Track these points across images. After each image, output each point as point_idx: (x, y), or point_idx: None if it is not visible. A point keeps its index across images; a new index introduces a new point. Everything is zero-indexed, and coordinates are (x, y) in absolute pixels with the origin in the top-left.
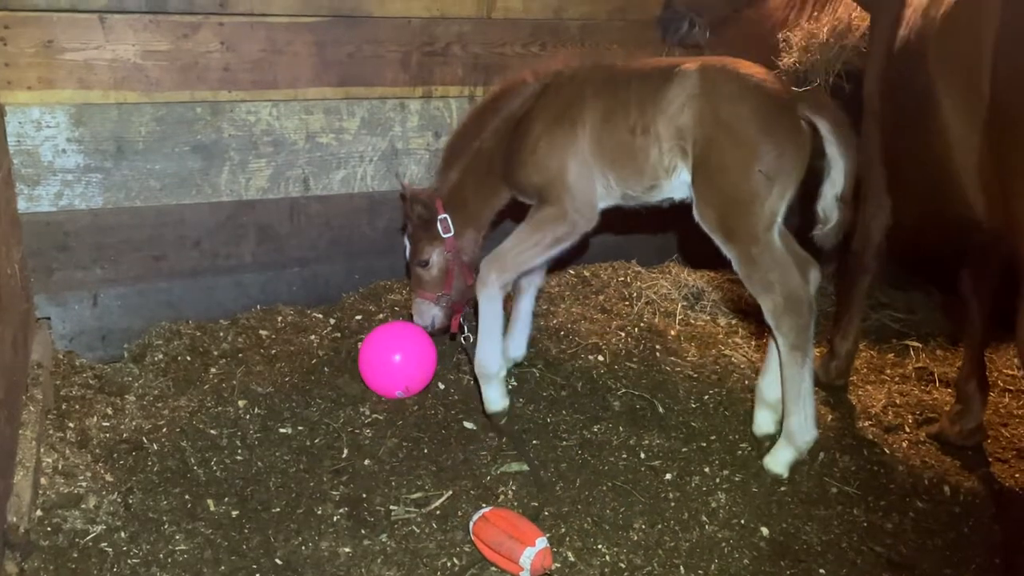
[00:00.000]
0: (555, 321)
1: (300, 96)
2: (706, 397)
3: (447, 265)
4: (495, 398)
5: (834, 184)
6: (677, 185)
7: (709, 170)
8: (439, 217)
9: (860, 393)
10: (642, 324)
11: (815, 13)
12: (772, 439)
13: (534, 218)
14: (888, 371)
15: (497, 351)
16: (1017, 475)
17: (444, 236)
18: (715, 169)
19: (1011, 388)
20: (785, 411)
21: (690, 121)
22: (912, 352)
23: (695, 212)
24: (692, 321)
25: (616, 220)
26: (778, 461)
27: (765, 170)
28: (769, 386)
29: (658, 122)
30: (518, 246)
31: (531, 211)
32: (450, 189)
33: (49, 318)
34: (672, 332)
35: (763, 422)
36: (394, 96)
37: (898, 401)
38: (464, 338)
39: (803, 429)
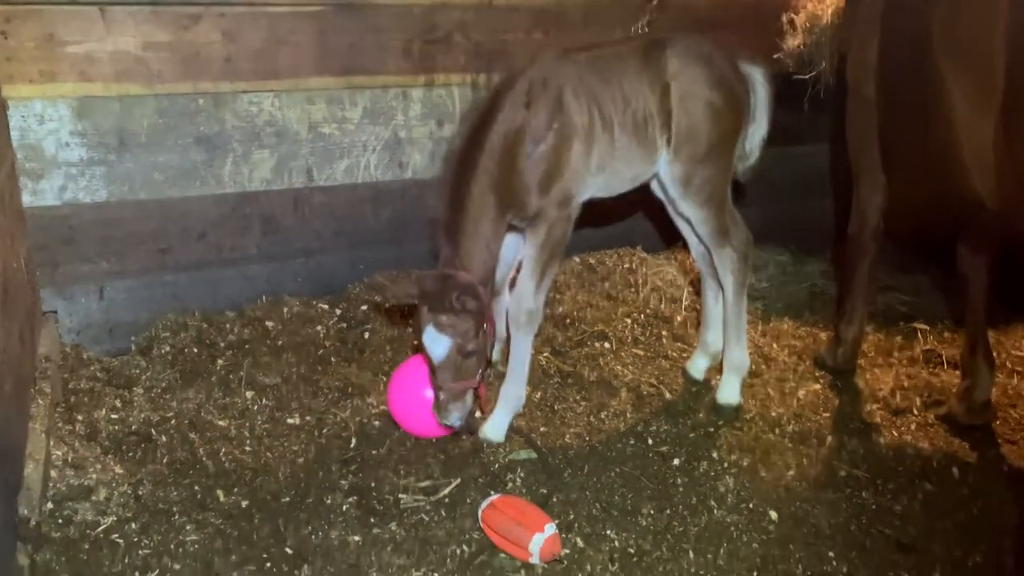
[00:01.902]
0: (561, 309)
1: (302, 86)
2: (713, 382)
3: (487, 338)
4: (503, 428)
5: (760, 127)
6: (659, 164)
7: (694, 142)
8: (481, 291)
9: (868, 376)
10: (648, 310)
11: None
12: (696, 383)
13: (544, 244)
14: (896, 354)
15: (524, 382)
16: None
17: (486, 311)
18: (700, 141)
19: (1019, 369)
20: (728, 347)
21: (675, 100)
22: (920, 335)
23: (669, 179)
24: (698, 307)
25: (620, 207)
26: (732, 393)
27: (735, 132)
28: (715, 339)
29: (649, 105)
30: (540, 273)
31: (533, 234)
32: (470, 251)
33: (56, 312)
34: (678, 318)
35: (700, 368)
36: (396, 85)
37: (906, 384)
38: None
39: (744, 358)
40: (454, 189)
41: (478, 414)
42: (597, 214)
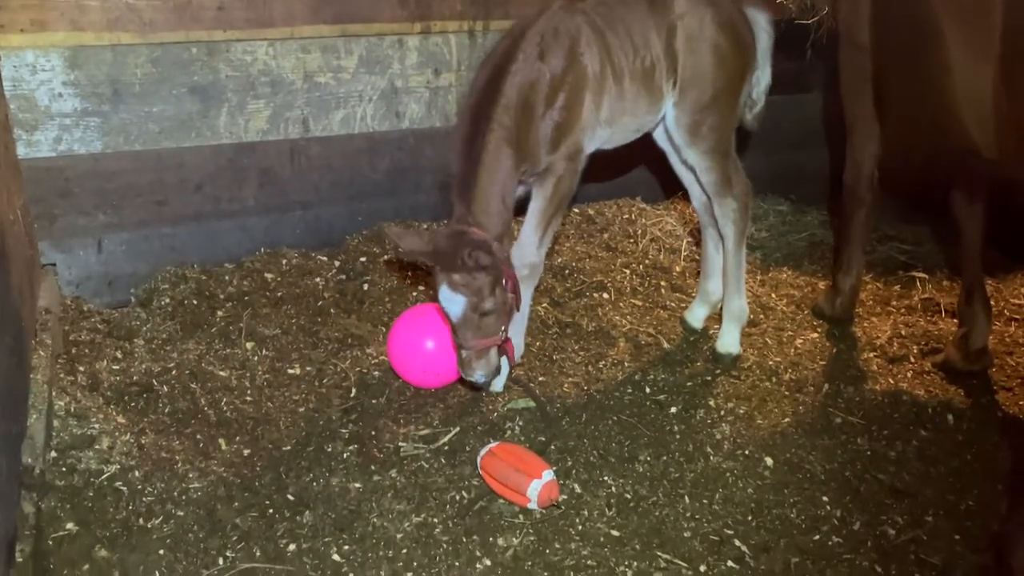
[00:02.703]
0: (560, 260)
1: (296, 34)
2: (711, 332)
3: (506, 294)
4: (503, 378)
5: (764, 74)
6: (663, 112)
7: (700, 86)
8: (496, 247)
9: (865, 325)
10: (647, 261)
11: None
12: (695, 332)
13: (551, 197)
14: (894, 303)
15: (524, 333)
16: (1021, 403)
17: (502, 267)
18: (706, 86)
19: (1017, 317)
20: (728, 297)
21: (681, 42)
22: (918, 283)
23: (676, 127)
24: (697, 257)
25: (620, 158)
26: (732, 342)
27: (741, 77)
28: (715, 288)
29: (656, 49)
30: (544, 226)
31: (540, 187)
32: (485, 207)
33: (55, 264)
34: (677, 268)
35: (698, 317)
36: (392, 33)
37: (903, 332)
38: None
39: (743, 307)
40: (468, 144)
41: (508, 370)
42: (597, 165)
